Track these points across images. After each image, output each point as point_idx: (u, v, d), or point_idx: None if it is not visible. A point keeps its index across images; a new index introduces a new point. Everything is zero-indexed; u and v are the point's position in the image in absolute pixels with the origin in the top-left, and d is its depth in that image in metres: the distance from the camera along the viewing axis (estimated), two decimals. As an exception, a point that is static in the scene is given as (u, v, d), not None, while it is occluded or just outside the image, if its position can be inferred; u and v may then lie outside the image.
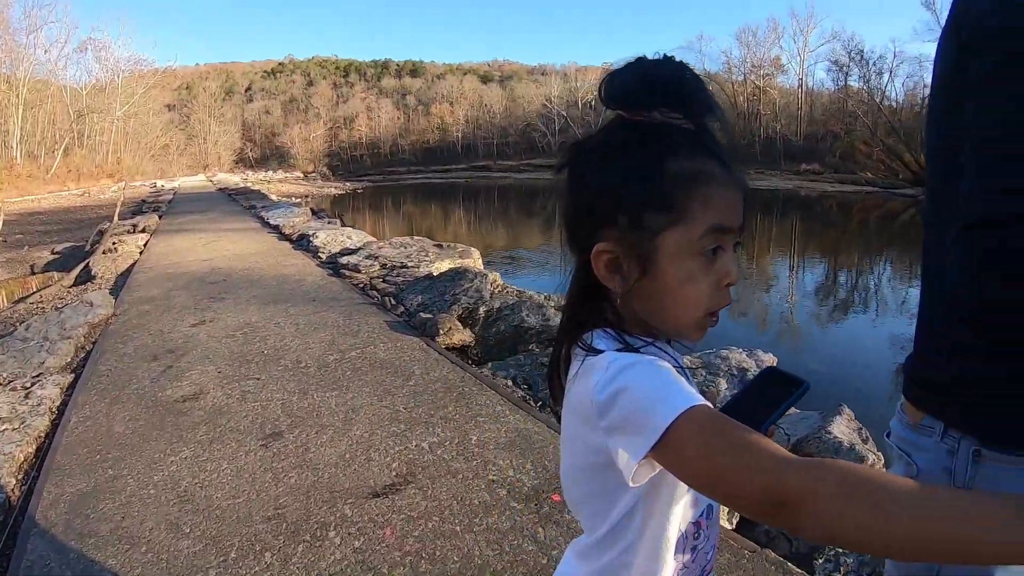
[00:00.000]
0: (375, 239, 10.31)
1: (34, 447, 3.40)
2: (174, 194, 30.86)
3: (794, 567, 2.35)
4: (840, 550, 2.71)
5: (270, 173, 71.90)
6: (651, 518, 0.78)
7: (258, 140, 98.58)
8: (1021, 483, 0.92)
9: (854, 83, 54.48)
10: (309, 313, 5.88)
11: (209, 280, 7.72)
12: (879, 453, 3.37)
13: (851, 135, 51.42)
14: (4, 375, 4.37)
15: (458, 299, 5.75)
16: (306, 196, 39.74)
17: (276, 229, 12.88)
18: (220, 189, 34.79)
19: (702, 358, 3.79)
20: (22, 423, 3.52)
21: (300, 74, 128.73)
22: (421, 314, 5.55)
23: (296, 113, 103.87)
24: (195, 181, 49.27)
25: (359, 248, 8.99)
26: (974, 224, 0.84)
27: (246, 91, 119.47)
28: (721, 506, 1.17)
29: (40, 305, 7.32)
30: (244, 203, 21.44)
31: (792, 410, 4.20)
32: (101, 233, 13.97)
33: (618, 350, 0.76)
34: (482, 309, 5.63)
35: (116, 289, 7.68)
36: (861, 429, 3.53)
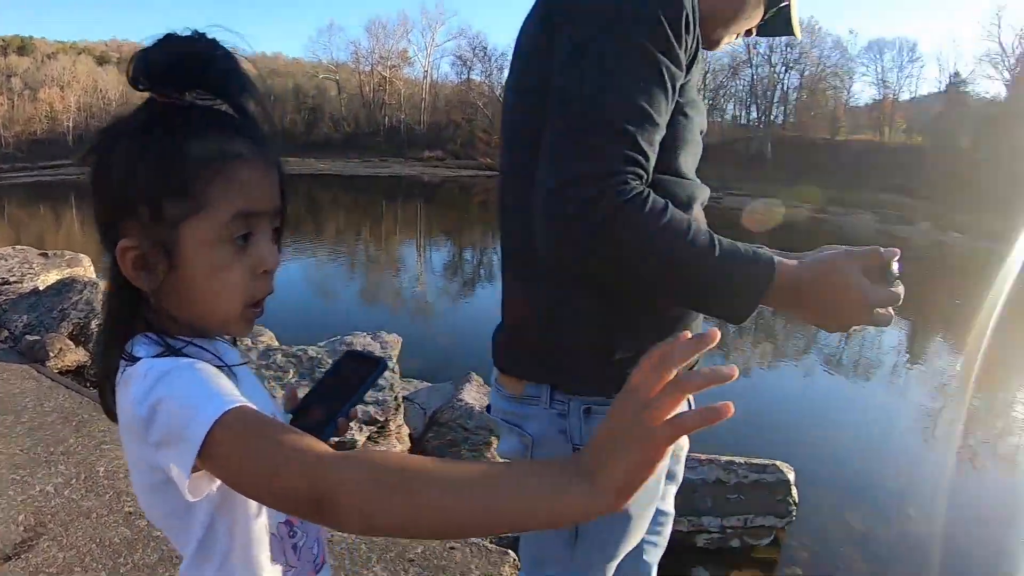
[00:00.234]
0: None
1: None
2: None
3: (491, 544, 2.46)
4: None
5: None
6: (235, 526, 0.74)
7: None
8: None
9: (477, 77, 59.05)
10: None
11: None
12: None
13: (472, 124, 55.60)
14: None
15: (67, 315, 5.06)
16: None
17: None
18: None
19: (327, 346, 3.75)
20: None
21: None
22: (27, 337, 4.80)
23: None
24: None
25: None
26: (553, 191, 0.90)
27: None
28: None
29: None
30: None
31: (425, 383, 4.41)
32: None
33: (159, 355, 0.69)
34: (94, 323, 5.00)
35: None
36: (491, 393, 3.82)
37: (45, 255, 7.77)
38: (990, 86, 47.16)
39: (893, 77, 51.73)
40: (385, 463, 0.57)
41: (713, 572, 3.44)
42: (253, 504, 0.74)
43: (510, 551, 2.50)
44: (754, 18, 1.18)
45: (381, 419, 3.35)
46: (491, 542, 2.63)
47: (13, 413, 3.62)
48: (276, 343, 4.05)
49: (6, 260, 7.32)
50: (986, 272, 20.14)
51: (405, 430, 3.48)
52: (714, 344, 0.55)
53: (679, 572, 3.35)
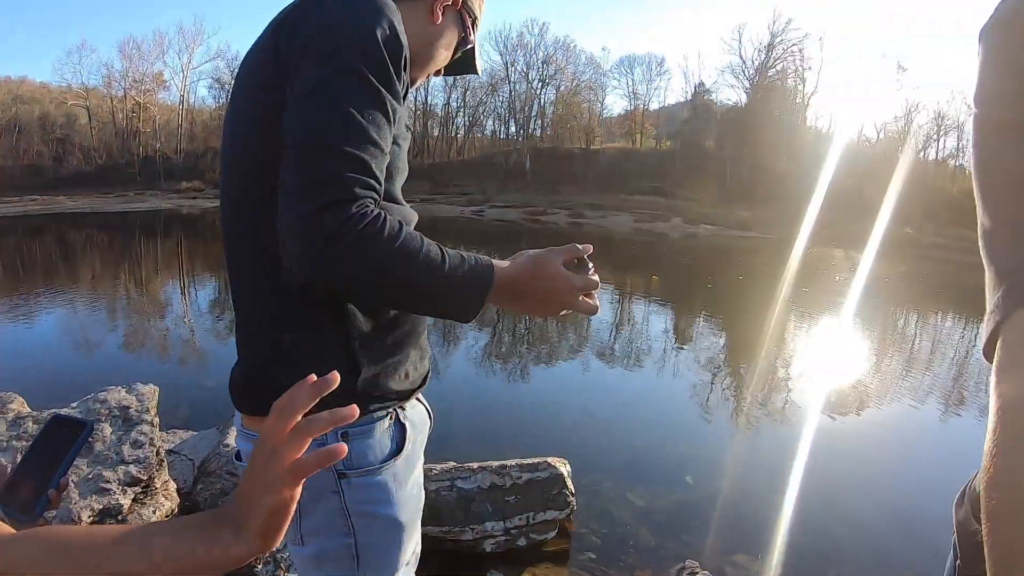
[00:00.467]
0: None
1: None
2: None
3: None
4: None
5: None
6: None
7: None
8: (393, 436, 1.17)
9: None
10: None
11: None
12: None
13: (228, 150, 52.95)
14: None
15: None
16: None
17: None
18: None
19: (79, 406, 3.46)
20: None
21: None
22: None
23: None
24: None
25: None
26: (305, 216, 0.94)
27: None
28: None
29: None
30: None
31: (190, 432, 4.17)
32: None
33: None
34: None
35: None
36: (236, 439, 3.68)
37: None
38: (731, 94, 52.86)
39: (643, 89, 56.36)
40: (53, 537, 0.56)
41: (507, 573, 3.52)
42: None
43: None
44: (445, 60, 1.29)
45: (144, 478, 3.13)
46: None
47: None
48: (27, 408, 3.64)
49: None
50: (737, 257, 22.55)
51: (172, 485, 3.27)
52: (334, 387, 0.60)
53: (473, 579, 3.44)
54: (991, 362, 0.54)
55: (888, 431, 6.38)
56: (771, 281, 15.15)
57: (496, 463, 3.75)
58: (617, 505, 4.38)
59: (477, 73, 1.39)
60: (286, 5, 1.09)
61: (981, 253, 0.59)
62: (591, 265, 1.14)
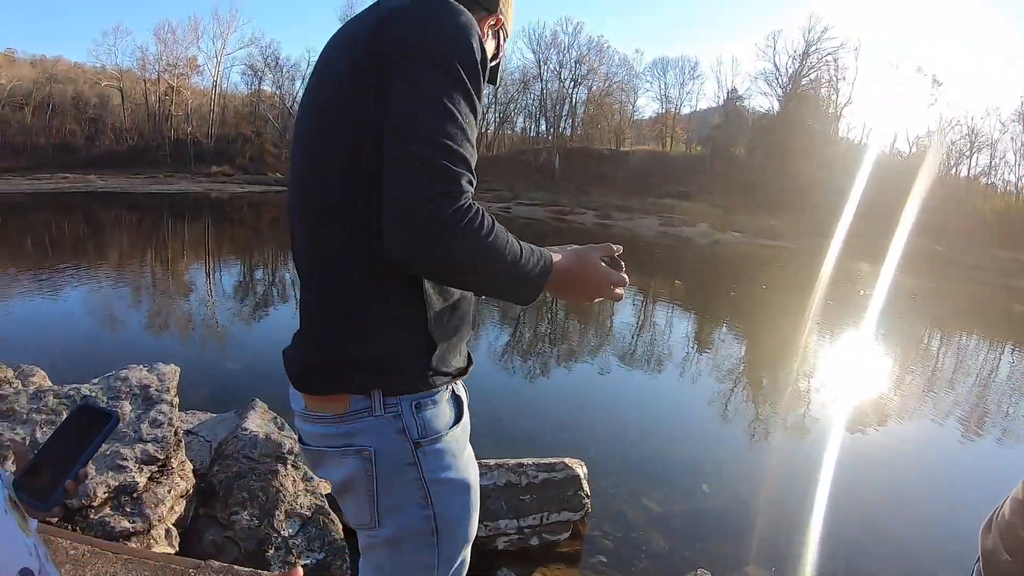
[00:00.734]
0: None
1: None
2: None
3: (241, 568, 2.35)
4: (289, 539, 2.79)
5: None
6: None
7: None
8: (452, 406, 1.27)
9: (267, 87, 56.67)
10: None
11: None
12: (296, 437, 3.58)
13: (261, 137, 53.43)
14: None
15: None
16: None
17: None
18: None
19: (101, 382, 3.48)
20: None
21: None
22: None
23: None
24: None
25: None
26: (420, 206, 1.03)
27: None
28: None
29: None
30: None
31: (209, 414, 4.19)
32: None
33: None
34: None
35: None
36: (276, 418, 3.69)
37: None
38: (764, 101, 52.32)
39: (675, 92, 56.02)
40: None
41: (519, 572, 3.51)
42: None
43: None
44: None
45: (161, 457, 3.13)
46: None
47: None
48: (48, 383, 3.69)
49: None
50: (762, 266, 22.36)
51: (189, 466, 3.27)
52: None
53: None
54: None
55: (907, 447, 6.30)
56: (795, 292, 15.03)
57: (513, 461, 3.74)
58: (632, 509, 4.36)
59: (494, 84, 1.46)
60: (372, 9, 1.20)
61: None
62: (622, 263, 1.32)
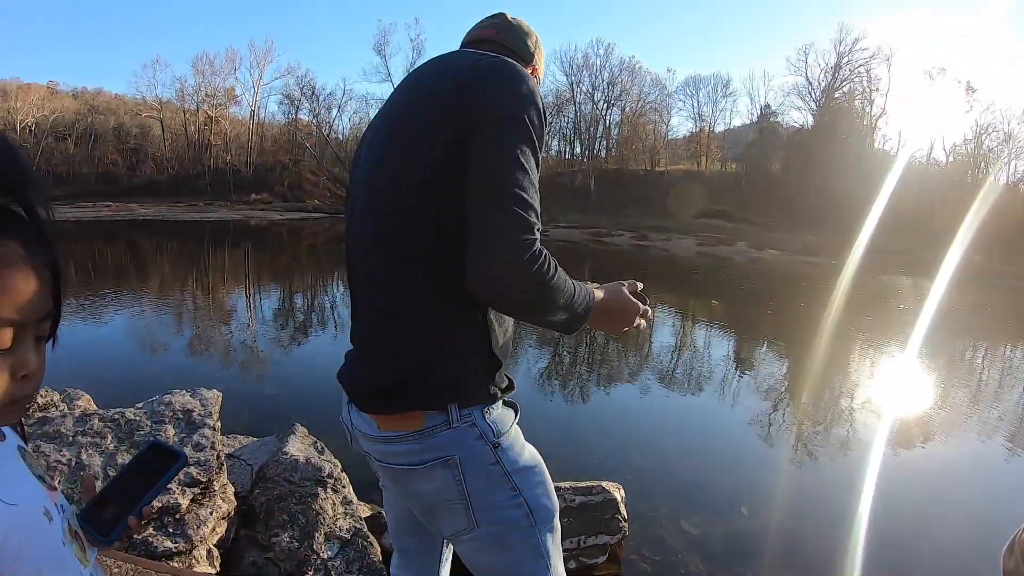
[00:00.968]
0: None
1: None
2: None
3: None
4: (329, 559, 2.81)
5: None
6: None
7: None
8: (508, 414, 1.41)
9: (304, 116, 57.76)
10: None
11: None
12: (335, 461, 3.62)
13: (299, 165, 54.35)
14: None
15: None
16: None
17: None
18: None
19: (145, 407, 3.56)
20: None
21: None
22: None
23: None
24: None
25: None
26: (509, 249, 1.19)
27: None
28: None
29: None
30: None
31: (250, 438, 4.25)
32: None
33: None
34: None
35: None
36: (316, 442, 3.73)
37: None
38: (798, 116, 51.78)
39: (709, 111, 55.90)
40: None
41: (556, 596, 3.49)
42: None
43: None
44: None
45: (204, 480, 3.19)
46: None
47: None
48: (93, 406, 3.78)
49: None
50: (801, 283, 22.06)
51: (230, 489, 3.33)
52: None
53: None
54: None
55: (953, 468, 6.13)
56: (833, 308, 14.78)
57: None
58: (670, 533, 4.30)
59: None
60: (450, 64, 1.35)
61: None
62: (646, 297, 1.52)
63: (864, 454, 6.08)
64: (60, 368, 6.92)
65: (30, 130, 50.54)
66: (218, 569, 2.91)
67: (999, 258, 30.51)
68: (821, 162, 43.15)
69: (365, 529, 3.34)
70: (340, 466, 3.61)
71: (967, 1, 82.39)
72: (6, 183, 0.67)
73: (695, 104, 55.98)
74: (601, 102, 54.73)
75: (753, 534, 4.43)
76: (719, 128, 56.87)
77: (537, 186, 1.24)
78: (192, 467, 3.19)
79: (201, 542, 2.92)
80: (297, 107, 57.73)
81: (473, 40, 1.57)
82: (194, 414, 3.45)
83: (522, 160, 1.22)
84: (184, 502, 3.03)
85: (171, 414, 3.45)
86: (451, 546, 1.71)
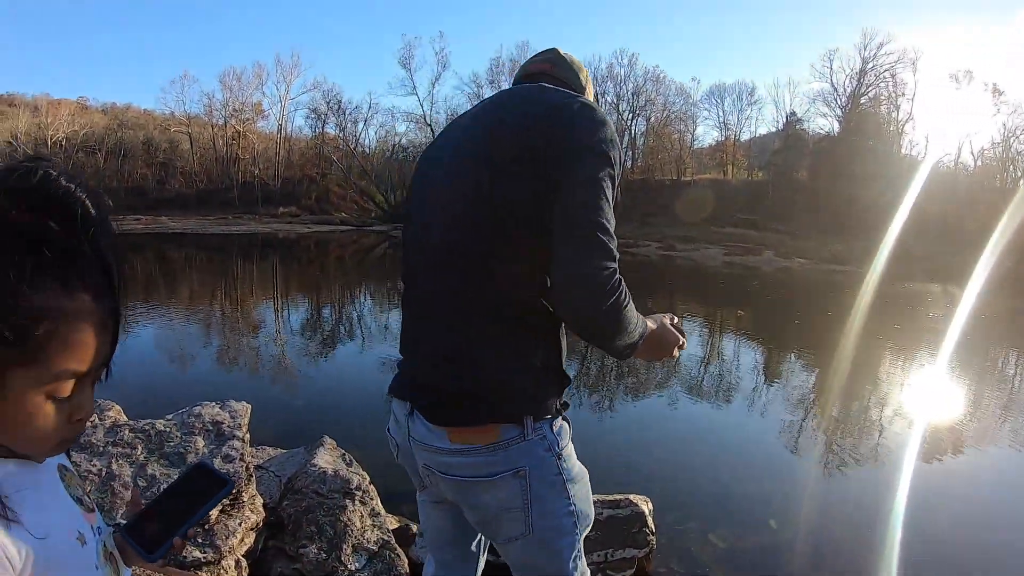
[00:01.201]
0: None
1: None
2: None
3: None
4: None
5: None
6: None
7: None
8: (567, 427, 1.50)
9: (331, 130, 58.28)
10: None
11: None
12: (364, 474, 3.64)
13: (326, 179, 54.89)
14: None
15: None
16: None
17: None
18: None
19: (175, 418, 3.60)
20: None
21: None
22: None
23: None
24: None
25: None
26: (591, 275, 1.29)
27: None
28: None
29: None
30: None
31: (279, 450, 4.28)
32: None
33: None
34: None
35: None
36: (345, 455, 3.75)
37: None
38: (823, 122, 51.28)
39: (734, 119, 55.63)
40: None
41: (583, 609, 3.47)
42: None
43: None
44: None
45: (233, 491, 3.23)
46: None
47: None
48: (124, 418, 3.83)
49: None
50: (829, 292, 21.79)
51: (259, 500, 3.35)
52: None
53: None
54: None
55: (989, 479, 5.99)
56: (860, 317, 14.59)
57: (578, 498, 3.70)
58: (698, 545, 4.26)
59: None
60: (529, 98, 1.47)
61: None
62: (683, 330, 1.62)
63: (896, 466, 5.97)
64: (92, 380, 7.01)
65: (60, 145, 51.54)
66: (247, 580, 2.93)
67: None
68: (848, 169, 42.66)
69: (393, 541, 3.34)
70: (368, 478, 3.62)
71: (994, 5, 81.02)
72: (84, 226, 0.68)
73: (720, 113, 55.84)
74: (626, 112, 54.59)
75: (782, 548, 4.37)
76: (745, 136, 56.67)
77: (614, 214, 1.34)
78: (222, 479, 3.21)
79: (229, 552, 2.94)
80: (324, 121, 58.31)
81: (528, 74, 1.65)
82: (223, 426, 3.48)
83: (608, 193, 1.33)
84: (213, 512, 3.05)
85: (200, 426, 3.48)
86: (487, 551, 1.78)
